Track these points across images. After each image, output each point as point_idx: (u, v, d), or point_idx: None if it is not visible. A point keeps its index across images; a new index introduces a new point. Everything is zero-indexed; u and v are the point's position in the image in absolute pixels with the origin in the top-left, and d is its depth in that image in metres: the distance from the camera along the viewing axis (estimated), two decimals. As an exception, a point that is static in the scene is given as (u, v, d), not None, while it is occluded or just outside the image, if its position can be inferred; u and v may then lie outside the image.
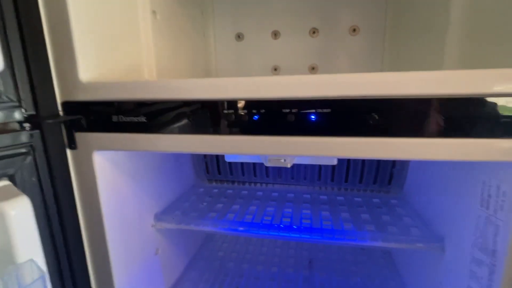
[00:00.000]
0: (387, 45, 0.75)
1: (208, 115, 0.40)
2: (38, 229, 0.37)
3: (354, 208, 0.67)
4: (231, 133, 0.40)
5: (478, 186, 0.42)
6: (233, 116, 0.39)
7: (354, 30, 0.77)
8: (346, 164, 0.75)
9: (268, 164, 0.43)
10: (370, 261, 0.78)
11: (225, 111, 0.39)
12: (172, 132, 0.42)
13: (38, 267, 0.30)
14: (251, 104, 0.38)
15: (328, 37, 0.79)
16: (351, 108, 0.35)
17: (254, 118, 0.39)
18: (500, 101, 0.32)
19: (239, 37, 0.83)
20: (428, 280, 0.57)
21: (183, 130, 0.41)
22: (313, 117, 0.37)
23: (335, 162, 0.48)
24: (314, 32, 0.79)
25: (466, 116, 0.33)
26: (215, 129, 0.40)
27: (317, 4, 0.77)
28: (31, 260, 0.31)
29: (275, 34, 0.81)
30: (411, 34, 0.65)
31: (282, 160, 0.42)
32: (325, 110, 0.36)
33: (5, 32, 0.34)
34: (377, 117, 0.35)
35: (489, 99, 0.32)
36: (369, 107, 0.35)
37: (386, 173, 0.73)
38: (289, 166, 0.42)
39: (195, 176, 0.86)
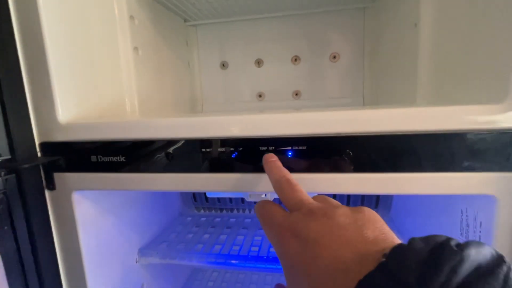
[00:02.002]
0: (367, 70, 0.77)
1: (186, 154, 0.40)
2: (11, 277, 0.36)
3: (342, 234, 0.67)
4: (210, 171, 0.40)
5: (457, 215, 0.43)
6: (211, 154, 0.39)
7: (335, 57, 0.79)
8: (333, 189, 0.75)
9: (249, 199, 0.43)
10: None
11: (203, 150, 0.39)
12: (151, 171, 0.41)
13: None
14: (228, 142, 0.39)
15: (309, 64, 0.81)
16: (326, 145, 0.36)
17: (232, 156, 0.39)
18: (470, 136, 0.33)
19: (223, 65, 0.85)
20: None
21: (162, 169, 0.41)
22: (290, 154, 0.37)
23: (315, 196, 0.48)
24: (296, 60, 0.81)
25: (437, 152, 0.34)
26: (193, 167, 0.40)
27: (298, 33, 0.80)
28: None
29: (259, 62, 0.83)
30: (386, 61, 0.67)
31: (263, 196, 0.42)
32: (301, 147, 0.37)
33: None
34: (351, 153, 0.36)
35: (459, 135, 0.33)
36: (343, 144, 0.36)
37: (373, 196, 0.73)
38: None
39: (182, 204, 0.85)
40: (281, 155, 0.37)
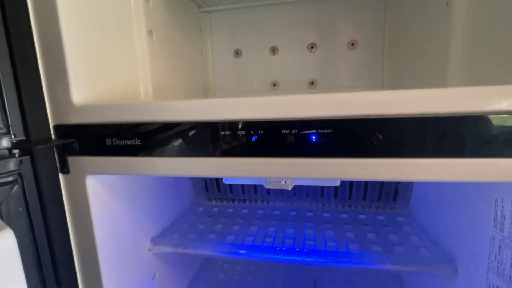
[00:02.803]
0: (387, 58, 0.74)
1: (204, 137, 0.38)
2: (25, 260, 0.35)
3: (359, 227, 0.64)
4: (228, 155, 0.38)
5: (490, 206, 0.40)
6: (230, 137, 0.38)
7: (353, 44, 0.76)
8: (349, 181, 0.72)
9: (268, 186, 0.41)
10: (378, 283, 0.75)
11: (222, 133, 0.38)
12: (167, 155, 0.40)
13: (21, 308, 0.28)
14: (249, 125, 0.37)
15: (326, 52, 0.78)
16: (353, 128, 0.34)
17: (252, 140, 0.37)
18: (509, 119, 0.30)
19: (237, 53, 0.83)
20: (440, 304, 0.54)
21: (178, 153, 0.39)
22: (313, 137, 0.35)
23: (338, 183, 0.46)
24: (312, 47, 0.79)
25: (473, 135, 0.31)
26: (211, 152, 0.38)
27: (315, 19, 0.77)
28: (14, 299, 0.29)
29: (273, 50, 0.81)
30: (410, 47, 0.64)
31: (283, 182, 0.40)
32: (325, 131, 0.35)
33: None
34: (380, 137, 0.33)
35: (496, 117, 0.30)
36: (371, 127, 0.33)
37: (391, 188, 0.71)
38: (289, 188, 0.40)
39: (194, 194, 0.84)
40: (305, 138, 0.35)
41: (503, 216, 0.37)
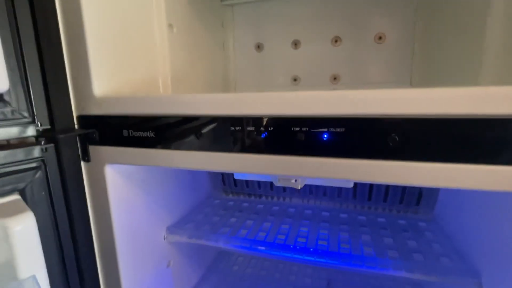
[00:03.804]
0: (417, 54, 0.69)
1: (215, 132, 0.38)
2: (47, 242, 0.38)
3: (377, 230, 0.62)
4: (238, 151, 0.38)
5: (522, 218, 0.36)
6: (240, 133, 0.37)
7: (380, 38, 0.72)
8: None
9: (278, 184, 0.41)
10: (396, 286, 0.71)
11: (232, 128, 0.38)
12: (180, 148, 0.41)
13: (38, 285, 0.30)
14: (259, 121, 0.36)
15: (351, 46, 0.75)
16: (366, 128, 0.32)
17: (262, 136, 0.37)
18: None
19: (258, 47, 0.82)
20: (461, 318, 0.50)
21: (190, 147, 0.40)
22: (325, 136, 0.34)
23: (351, 185, 0.44)
24: (336, 41, 0.75)
25: (502, 140, 0.28)
26: (221, 147, 0.38)
27: (340, 11, 0.73)
28: (33, 277, 0.31)
29: (296, 44, 0.79)
30: (443, 42, 0.59)
31: (293, 181, 0.39)
32: (338, 130, 0.33)
33: (21, 48, 0.35)
34: (397, 139, 0.31)
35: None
36: (388, 127, 0.31)
37: (415, 192, 0.67)
38: (299, 187, 0.39)
39: (211, 187, 0.85)
40: (316, 137, 0.34)
41: (536, 231, 0.34)
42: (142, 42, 0.51)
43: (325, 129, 0.34)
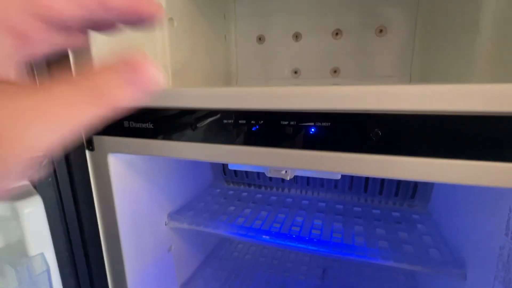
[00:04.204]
0: (417, 47, 0.69)
1: (209, 124, 0.40)
2: (54, 224, 0.41)
3: (370, 222, 0.63)
4: (231, 142, 0.40)
5: (504, 212, 0.37)
6: (233, 126, 0.39)
7: (381, 31, 0.72)
8: (365, 174, 0.71)
9: (269, 175, 0.43)
10: (389, 279, 0.73)
11: (225, 121, 0.39)
12: (176, 139, 0.43)
13: (45, 261, 0.34)
14: (250, 115, 0.38)
15: (352, 39, 0.75)
16: (351, 122, 0.33)
17: (253, 129, 0.38)
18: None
19: (260, 39, 0.83)
20: (447, 307, 0.52)
21: (186, 138, 0.42)
22: (312, 130, 0.36)
23: (338, 177, 0.45)
24: (337, 34, 0.76)
25: (479, 136, 0.29)
26: (215, 138, 0.40)
27: (341, 4, 0.73)
28: (42, 254, 0.35)
29: (297, 36, 0.79)
30: (443, 36, 0.59)
31: (283, 172, 0.41)
32: (324, 124, 0.35)
33: None
34: (379, 133, 0.33)
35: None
36: (370, 122, 0.33)
37: (410, 185, 0.68)
38: (288, 178, 0.41)
39: (213, 177, 0.88)
40: (303, 131, 0.36)
41: (515, 224, 0.35)
42: (142, 36, 0.53)
43: (312, 123, 0.35)
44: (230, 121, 0.39)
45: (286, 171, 0.41)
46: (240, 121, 0.39)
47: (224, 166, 0.85)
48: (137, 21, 0.17)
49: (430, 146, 0.31)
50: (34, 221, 0.34)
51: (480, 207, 0.45)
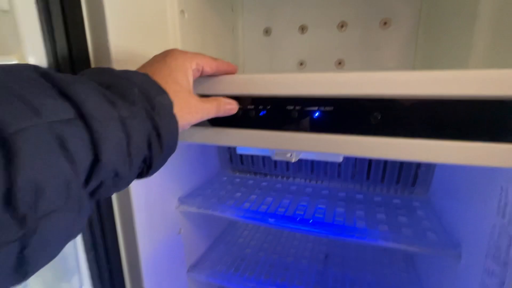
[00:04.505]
0: (421, 38, 0.71)
1: (219, 110, 0.43)
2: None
3: (372, 207, 0.66)
4: (239, 126, 0.43)
5: (496, 192, 0.40)
6: (241, 110, 0.42)
7: (385, 23, 0.73)
8: (368, 162, 0.73)
9: (274, 158, 0.45)
10: (390, 263, 0.76)
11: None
12: (188, 124, 0.46)
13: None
14: (257, 100, 0.40)
15: (357, 31, 0.77)
16: (353, 107, 0.36)
17: (260, 114, 0.41)
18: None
19: (267, 32, 0.85)
20: (443, 285, 0.55)
21: (197, 123, 0.45)
22: (316, 114, 0.38)
23: (340, 159, 0.48)
24: (342, 26, 0.77)
25: (476, 119, 0.32)
26: (225, 123, 0.43)
27: (347, -4, 0.75)
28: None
29: (303, 29, 0.81)
30: (447, 28, 0.61)
31: (288, 155, 0.44)
32: (328, 108, 0.37)
33: (51, 24, 0.40)
34: (379, 117, 0.35)
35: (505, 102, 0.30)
36: (370, 107, 0.35)
37: (410, 173, 0.70)
38: (293, 160, 0.44)
39: (220, 165, 0.91)
40: (308, 115, 0.38)
41: (506, 204, 0.37)
42: (156, 28, 0.56)
43: (316, 108, 0.38)
44: (239, 106, 0.42)
45: (291, 154, 0.44)
46: (248, 107, 0.41)
47: (231, 154, 0.88)
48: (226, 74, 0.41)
49: (426, 128, 0.33)
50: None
51: (475, 191, 0.47)
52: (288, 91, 0.38)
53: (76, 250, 0.37)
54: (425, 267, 0.67)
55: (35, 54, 0.35)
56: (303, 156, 0.46)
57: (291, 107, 0.39)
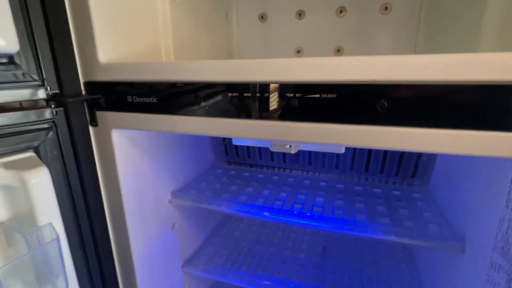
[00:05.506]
0: (422, 25, 0.68)
1: (214, 98, 0.40)
2: (61, 196, 0.42)
3: (371, 200, 0.64)
4: (235, 116, 0.40)
5: (506, 184, 0.38)
6: (237, 99, 0.39)
7: (386, 8, 0.70)
8: (367, 153, 0.71)
9: (273, 149, 0.43)
10: (387, 255, 0.75)
11: (230, 94, 0.39)
12: (181, 113, 0.43)
13: (54, 230, 0.34)
14: (254, 87, 0.37)
15: (356, 17, 0.73)
16: (358, 93, 0.33)
17: (257, 102, 0.38)
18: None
19: (262, 17, 0.81)
20: (445, 280, 0.54)
21: (190, 112, 0.42)
22: (317, 102, 0.35)
23: (342, 151, 0.46)
24: (341, 12, 0.74)
25: (489, 106, 0.29)
26: (221, 112, 0.40)
27: (346, -20, 0.71)
28: (50, 224, 0.35)
29: (300, 14, 0.77)
30: (448, 13, 0.58)
31: (287, 146, 0.41)
32: (330, 95, 0.35)
33: (28, 14, 0.36)
34: (386, 104, 0.33)
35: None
36: (377, 94, 0.33)
37: (410, 164, 0.68)
38: (292, 152, 0.41)
39: (214, 157, 0.88)
40: (309, 103, 0.35)
41: (516, 196, 0.35)
42: (144, 13, 0.52)
43: (318, 95, 0.35)
44: (235, 94, 0.39)
45: (290, 146, 0.41)
46: (245, 94, 0.38)
47: (225, 146, 0.85)
48: None
49: (434, 116, 0.31)
50: (41, 191, 0.34)
51: (480, 183, 0.46)
52: (288, 77, 0.35)
53: (59, 249, 0.34)
54: (425, 260, 0.66)
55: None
56: (303, 147, 0.43)
57: (291, 95, 0.36)
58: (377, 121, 0.33)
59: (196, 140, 0.77)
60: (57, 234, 0.34)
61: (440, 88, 0.30)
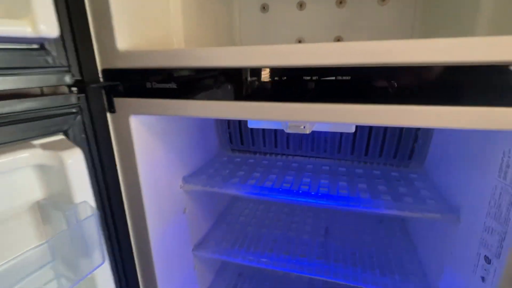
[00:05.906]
0: (419, 15, 0.72)
1: (233, 82, 0.43)
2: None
3: (372, 180, 0.69)
4: (254, 99, 0.42)
5: (498, 157, 0.42)
6: (256, 83, 0.42)
7: (384, -1, 0.74)
8: (367, 137, 0.75)
9: (288, 131, 0.46)
10: (386, 233, 0.80)
11: (248, 79, 0.42)
12: (199, 98, 0.45)
13: (91, 207, 0.36)
14: (272, 72, 0.40)
15: (355, 7, 0.77)
16: (370, 75, 0.37)
17: (275, 85, 0.41)
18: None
19: (264, 8, 0.83)
20: (440, 250, 0.59)
21: (209, 96, 0.44)
22: (333, 84, 0.39)
23: (353, 130, 0.49)
24: (341, 2, 0.77)
25: (487, 84, 0.33)
26: (239, 96, 0.43)
27: (345, -28, 0.74)
28: (85, 201, 0.37)
29: (301, 5, 0.80)
30: (446, 7, 0.62)
31: (302, 127, 0.44)
32: (344, 77, 0.38)
33: (56, 4, 0.38)
34: (395, 85, 0.36)
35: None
36: (388, 75, 0.36)
37: (407, 147, 0.73)
38: (308, 132, 0.44)
39: (219, 146, 0.91)
40: (325, 85, 0.39)
41: (508, 166, 0.40)
42: (157, 4, 0.54)
43: (333, 77, 0.38)
44: (254, 78, 0.42)
45: (304, 126, 0.44)
46: (263, 78, 0.41)
47: (230, 134, 0.87)
48: None
49: (439, 95, 0.35)
50: (77, 170, 0.36)
51: (473, 159, 0.50)
52: (305, 61, 0.38)
53: (97, 225, 0.36)
54: (420, 234, 0.72)
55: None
56: (316, 127, 0.46)
57: (308, 78, 0.39)
58: (387, 100, 0.37)
59: (201, 129, 0.79)
60: (95, 210, 0.36)
61: (441, 69, 0.34)
